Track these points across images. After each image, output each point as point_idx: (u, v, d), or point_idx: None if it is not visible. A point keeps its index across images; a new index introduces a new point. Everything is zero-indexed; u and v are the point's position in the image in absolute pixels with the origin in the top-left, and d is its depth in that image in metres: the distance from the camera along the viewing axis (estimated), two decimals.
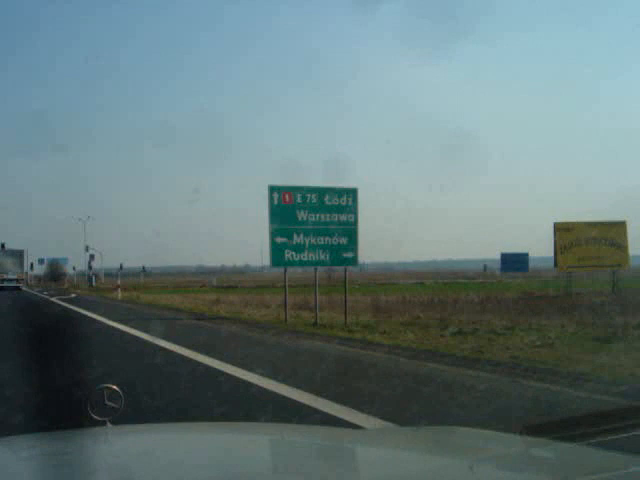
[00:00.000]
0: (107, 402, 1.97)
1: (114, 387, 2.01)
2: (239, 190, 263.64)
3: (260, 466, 1.65)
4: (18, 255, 58.86)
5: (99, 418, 1.94)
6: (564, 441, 1.69)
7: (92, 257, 75.21)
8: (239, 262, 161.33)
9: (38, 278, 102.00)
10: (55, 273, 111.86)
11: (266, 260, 17.11)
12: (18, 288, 53.89)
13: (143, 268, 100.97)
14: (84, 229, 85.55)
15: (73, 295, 39.48)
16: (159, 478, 1.48)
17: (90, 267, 74.95)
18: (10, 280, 55.19)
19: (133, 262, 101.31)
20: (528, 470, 1.56)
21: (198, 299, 29.46)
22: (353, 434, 2.76)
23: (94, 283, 72.04)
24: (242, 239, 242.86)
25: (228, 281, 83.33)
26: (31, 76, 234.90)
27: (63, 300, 32.49)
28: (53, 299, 34.18)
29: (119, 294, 34.17)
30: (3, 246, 73.22)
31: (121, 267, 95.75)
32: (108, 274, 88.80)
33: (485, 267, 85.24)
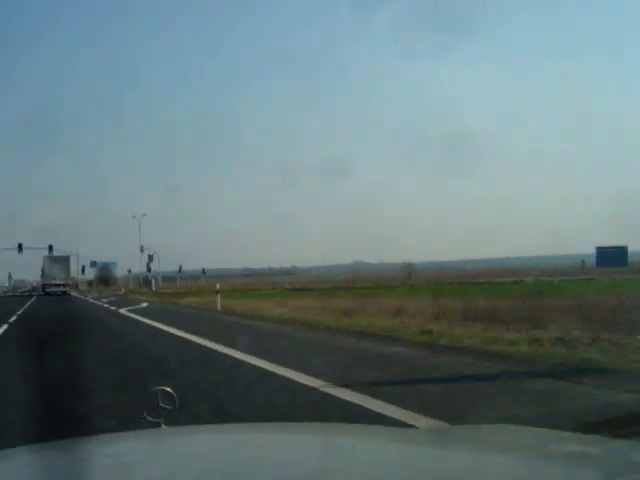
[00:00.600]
0: (161, 404, 2.00)
1: (168, 389, 2.03)
2: (284, 191, 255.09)
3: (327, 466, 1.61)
4: (65, 260, 59.23)
5: (153, 420, 1.97)
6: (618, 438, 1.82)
7: (151, 258, 67.35)
8: (285, 263, 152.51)
9: (89, 282, 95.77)
10: (105, 277, 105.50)
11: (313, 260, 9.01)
12: (65, 293, 54.31)
13: (203, 270, 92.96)
14: (139, 228, 77.18)
15: (144, 304, 30.63)
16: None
17: (149, 269, 66.91)
18: (57, 285, 55.70)
19: (172, 265, 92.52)
20: (583, 467, 1.54)
21: (311, 308, 21.43)
22: (407, 433, 2.70)
23: (153, 287, 63.76)
24: (289, 239, 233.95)
25: (297, 283, 74.75)
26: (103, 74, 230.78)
27: (137, 313, 24.68)
28: (122, 311, 26.75)
29: (218, 302, 24.82)
30: (51, 248, 66.81)
31: (180, 269, 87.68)
32: (164, 277, 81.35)
33: (583, 262, 78.15)
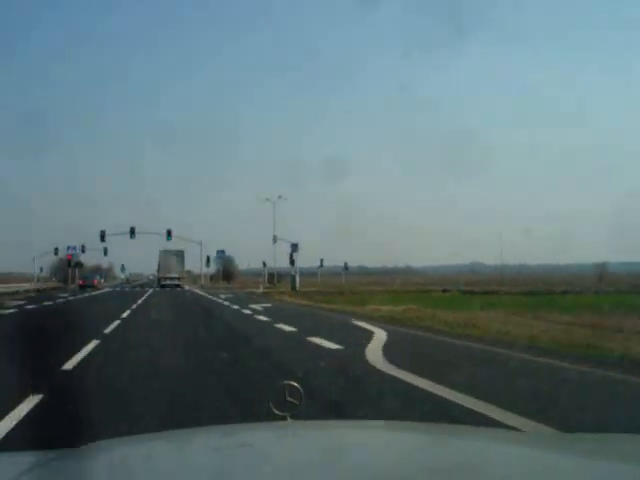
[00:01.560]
0: (288, 398, 2.00)
1: (294, 384, 2.02)
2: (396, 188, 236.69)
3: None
4: (180, 254, 60.10)
5: (280, 413, 1.97)
6: None
7: (295, 247, 52.13)
8: (399, 262, 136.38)
9: (210, 277, 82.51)
10: (228, 271, 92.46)
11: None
12: (179, 286, 55.72)
13: (345, 265, 77.25)
14: (274, 212, 62.50)
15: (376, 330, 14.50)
16: (339, 473, 1.52)
17: (293, 262, 51.77)
18: (172, 278, 57.46)
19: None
20: None
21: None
22: (514, 436, 2.53)
23: (297, 285, 48.72)
24: (402, 237, 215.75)
25: (470, 283, 57.60)
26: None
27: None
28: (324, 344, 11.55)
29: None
30: (170, 233, 59.53)
31: (322, 264, 72.60)
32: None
33: None
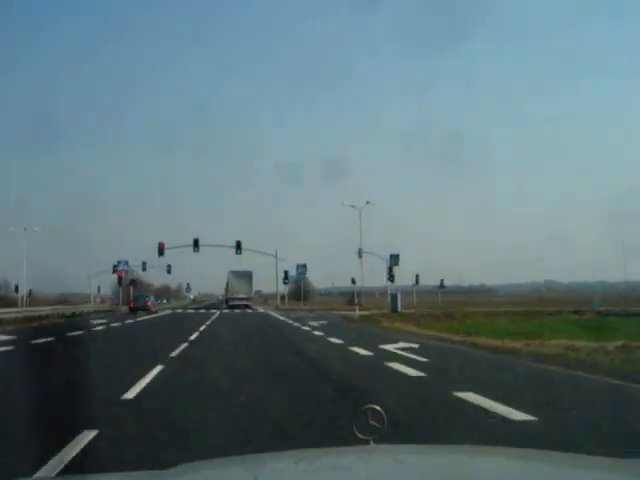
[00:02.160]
0: (371, 422, 2.00)
1: (377, 408, 2.02)
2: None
3: None
4: (248, 275, 60.48)
5: (363, 437, 1.97)
6: None
7: (395, 259, 41.32)
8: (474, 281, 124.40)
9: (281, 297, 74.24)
10: (300, 290, 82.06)
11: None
12: (247, 307, 56.54)
13: (441, 283, 65.74)
14: (360, 220, 52.25)
15: None
16: None
17: (391, 278, 40.90)
18: (240, 299, 58.24)
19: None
20: None
21: None
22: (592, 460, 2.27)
23: (399, 307, 37.89)
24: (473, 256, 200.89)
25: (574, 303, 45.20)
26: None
27: None
28: None
29: None
30: (239, 245, 54.08)
31: (417, 280, 61.30)
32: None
33: None
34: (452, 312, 39.00)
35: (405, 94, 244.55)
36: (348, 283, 76.64)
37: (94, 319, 31.83)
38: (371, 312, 37.28)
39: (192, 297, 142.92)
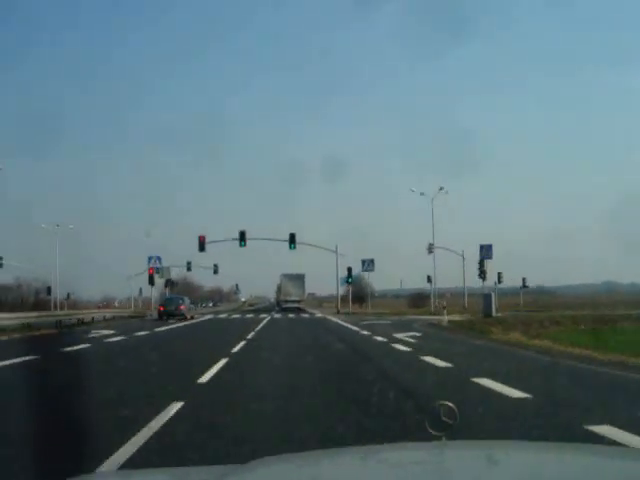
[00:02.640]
0: (443, 418, 1.96)
1: (449, 404, 1.98)
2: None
3: None
4: (300, 278, 61.16)
5: (436, 433, 1.94)
6: None
7: (487, 251, 32.86)
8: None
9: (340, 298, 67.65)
10: (363, 292, 74.41)
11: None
12: (299, 309, 55.82)
13: (523, 283, 56.52)
14: (431, 209, 44.48)
15: None
16: None
17: (483, 274, 32.69)
18: (292, 302, 58.90)
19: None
20: None
21: None
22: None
23: (494, 311, 29.51)
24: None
25: None
26: None
27: None
28: None
29: None
30: (293, 239, 46.48)
31: (499, 279, 51.54)
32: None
33: None
34: (556, 318, 30.57)
35: None
36: (406, 284, 68.52)
37: (99, 329, 24.62)
38: (462, 317, 29.05)
39: (243, 300, 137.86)
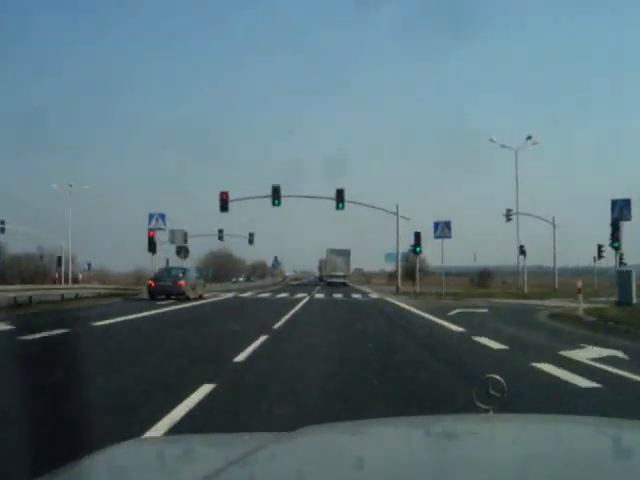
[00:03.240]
0: (491, 391, 1.94)
1: (498, 377, 1.95)
2: None
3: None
4: (346, 254, 61.58)
5: (483, 406, 1.91)
6: None
7: (624, 208, 22.45)
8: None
9: (389, 275, 69.92)
10: (412, 269, 63.73)
11: None
12: (344, 284, 56.10)
13: (620, 259, 45.33)
14: (515, 165, 34.62)
15: None
16: (543, 467, 1.42)
17: (616, 243, 22.14)
18: (338, 277, 58.51)
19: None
20: None
21: None
22: None
23: (634, 296, 18.71)
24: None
25: None
26: None
27: None
28: None
29: None
30: (341, 196, 39.20)
31: (600, 253, 38.85)
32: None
33: None
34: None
35: None
36: (456, 261, 61.63)
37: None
38: (577, 303, 18.90)
39: (287, 274, 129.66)
